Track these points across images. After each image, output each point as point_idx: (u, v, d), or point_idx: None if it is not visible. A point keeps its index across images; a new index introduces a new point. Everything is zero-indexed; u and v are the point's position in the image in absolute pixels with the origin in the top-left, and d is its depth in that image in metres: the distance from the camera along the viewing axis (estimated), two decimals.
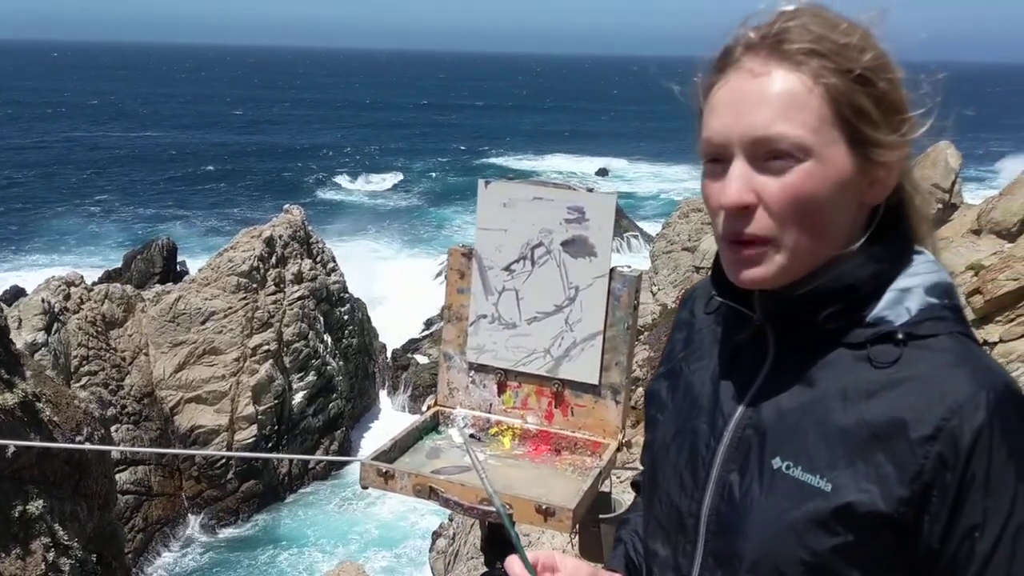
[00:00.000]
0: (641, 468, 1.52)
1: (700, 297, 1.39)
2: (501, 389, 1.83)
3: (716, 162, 1.13)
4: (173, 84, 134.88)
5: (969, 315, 8.54)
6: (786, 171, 1.07)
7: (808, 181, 1.07)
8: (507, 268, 1.77)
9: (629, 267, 1.74)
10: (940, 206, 13.12)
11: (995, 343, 8.16)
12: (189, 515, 18.74)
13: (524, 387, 1.82)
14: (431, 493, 1.57)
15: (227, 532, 18.85)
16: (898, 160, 1.12)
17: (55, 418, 4.19)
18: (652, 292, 17.74)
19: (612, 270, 1.71)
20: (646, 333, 14.85)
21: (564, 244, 1.72)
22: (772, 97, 1.07)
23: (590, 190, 1.73)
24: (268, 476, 19.76)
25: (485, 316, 1.81)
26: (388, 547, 18.02)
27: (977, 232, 11.15)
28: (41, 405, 4.20)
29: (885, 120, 1.09)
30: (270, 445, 19.82)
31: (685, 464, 1.24)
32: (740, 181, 1.09)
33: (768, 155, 1.08)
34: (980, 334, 8.43)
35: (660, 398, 1.38)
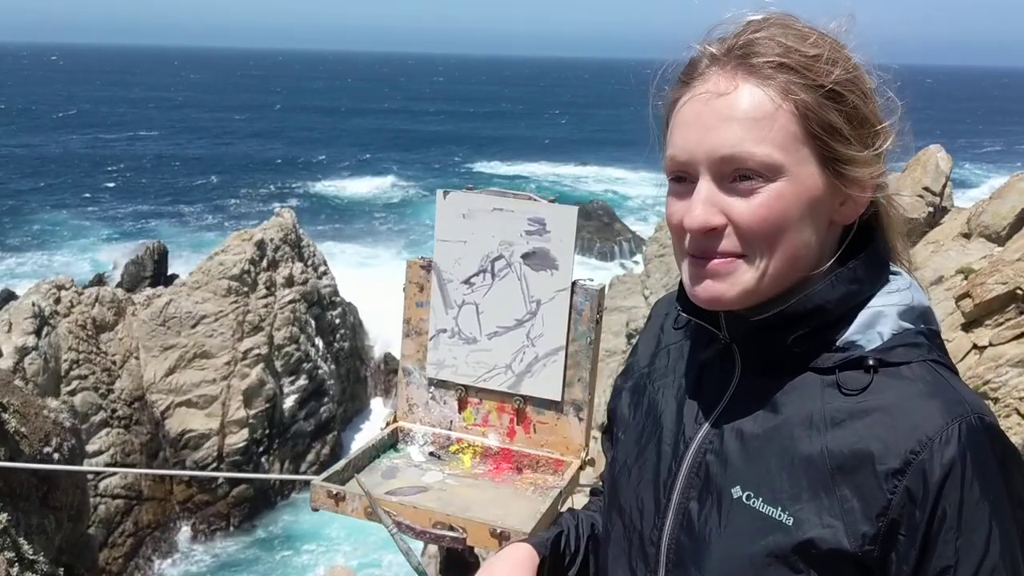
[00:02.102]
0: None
1: (671, 311, 1.33)
2: (462, 406, 1.78)
3: (680, 180, 1.08)
4: (165, 87, 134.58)
5: (959, 319, 8.51)
6: (755, 192, 1.02)
7: (778, 202, 1.02)
8: (467, 281, 1.72)
9: (591, 280, 1.69)
10: (931, 209, 13.12)
11: (984, 347, 8.13)
12: (180, 520, 18.64)
13: (485, 403, 1.77)
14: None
15: (218, 537, 18.78)
16: (871, 176, 1.06)
17: (22, 429, 4.13)
18: (644, 296, 17.70)
19: (574, 283, 1.66)
20: (637, 337, 14.81)
21: (525, 257, 1.67)
22: (739, 114, 1.02)
23: (553, 200, 1.68)
24: (258, 481, 19.69)
25: (445, 331, 1.76)
26: (379, 551, 17.95)
27: (967, 235, 11.16)
28: (7, 416, 4.13)
29: (856, 135, 1.04)
30: (261, 449, 19.77)
31: (645, 488, 1.19)
32: (706, 203, 1.04)
33: (735, 174, 1.03)
34: (970, 338, 8.40)
35: (622, 415, 1.33)
